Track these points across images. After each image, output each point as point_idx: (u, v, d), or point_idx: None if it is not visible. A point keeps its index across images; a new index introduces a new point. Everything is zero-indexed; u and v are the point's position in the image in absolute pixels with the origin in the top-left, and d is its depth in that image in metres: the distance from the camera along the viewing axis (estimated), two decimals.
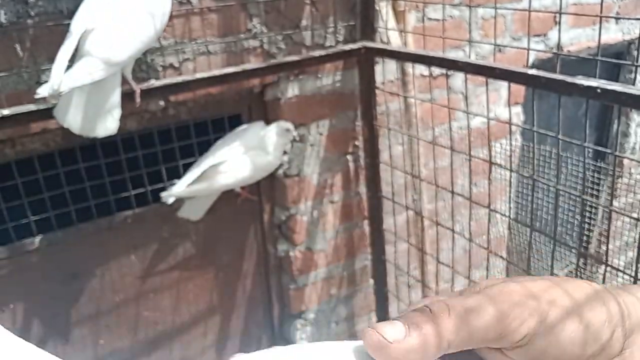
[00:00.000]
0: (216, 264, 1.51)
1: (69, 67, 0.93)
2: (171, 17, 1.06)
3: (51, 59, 1.08)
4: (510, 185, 1.34)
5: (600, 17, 0.96)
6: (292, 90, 1.39)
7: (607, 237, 1.06)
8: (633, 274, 0.96)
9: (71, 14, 0.99)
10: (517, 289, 0.32)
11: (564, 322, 0.31)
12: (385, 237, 1.59)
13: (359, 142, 1.53)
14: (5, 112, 1.02)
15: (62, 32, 1.04)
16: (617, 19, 1.90)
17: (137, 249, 1.38)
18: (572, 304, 0.32)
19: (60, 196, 1.25)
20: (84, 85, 0.96)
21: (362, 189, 1.58)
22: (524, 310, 0.31)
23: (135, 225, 1.35)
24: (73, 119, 1.01)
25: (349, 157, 1.54)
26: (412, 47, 1.42)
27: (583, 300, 0.32)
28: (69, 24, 0.97)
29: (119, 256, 1.36)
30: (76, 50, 0.94)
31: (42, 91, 0.91)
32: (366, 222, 1.62)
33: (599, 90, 0.92)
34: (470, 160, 1.27)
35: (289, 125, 1.33)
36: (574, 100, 1.00)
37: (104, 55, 0.93)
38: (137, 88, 1.08)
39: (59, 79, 0.90)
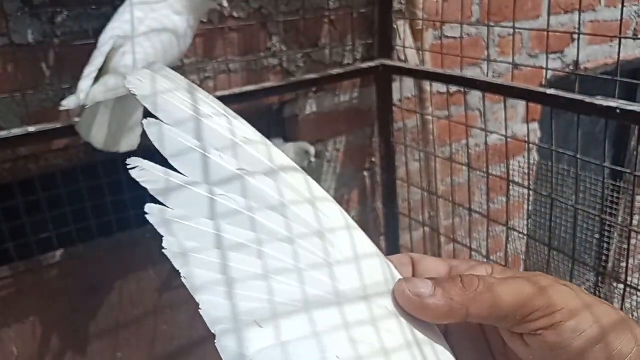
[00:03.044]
0: None
1: (94, 82, 0.95)
2: (194, 37, 1.08)
3: (75, 78, 1.10)
4: (528, 203, 1.34)
5: (620, 37, 0.97)
6: (310, 107, 1.40)
7: (627, 256, 1.06)
8: None
9: (96, 33, 1.02)
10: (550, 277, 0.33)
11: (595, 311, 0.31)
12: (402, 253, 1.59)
13: (376, 159, 1.54)
14: (31, 129, 1.04)
15: (87, 51, 1.06)
16: (635, 39, 1.90)
17: (155, 264, 1.39)
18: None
19: (81, 211, 1.27)
20: (108, 101, 0.97)
21: (379, 205, 1.58)
22: (561, 288, 0.31)
23: (154, 240, 1.36)
24: (96, 135, 1.03)
25: (365, 173, 1.55)
26: (429, 65, 1.43)
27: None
28: (93, 44, 0.99)
29: (137, 271, 1.38)
30: (103, 66, 0.96)
31: (67, 103, 0.92)
32: (382, 238, 1.62)
33: (618, 111, 0.92)
34: (487, 177, 1.27)
35: (309, 148, 1.33)
36: (591, 117, 1.00)
37: (129, 72, 0.95)
38: None
39: (86, 92, 0.92)
